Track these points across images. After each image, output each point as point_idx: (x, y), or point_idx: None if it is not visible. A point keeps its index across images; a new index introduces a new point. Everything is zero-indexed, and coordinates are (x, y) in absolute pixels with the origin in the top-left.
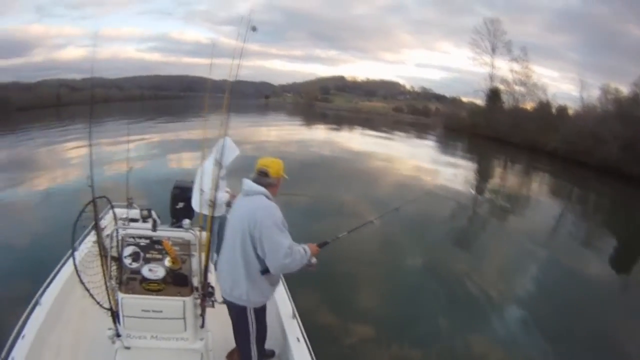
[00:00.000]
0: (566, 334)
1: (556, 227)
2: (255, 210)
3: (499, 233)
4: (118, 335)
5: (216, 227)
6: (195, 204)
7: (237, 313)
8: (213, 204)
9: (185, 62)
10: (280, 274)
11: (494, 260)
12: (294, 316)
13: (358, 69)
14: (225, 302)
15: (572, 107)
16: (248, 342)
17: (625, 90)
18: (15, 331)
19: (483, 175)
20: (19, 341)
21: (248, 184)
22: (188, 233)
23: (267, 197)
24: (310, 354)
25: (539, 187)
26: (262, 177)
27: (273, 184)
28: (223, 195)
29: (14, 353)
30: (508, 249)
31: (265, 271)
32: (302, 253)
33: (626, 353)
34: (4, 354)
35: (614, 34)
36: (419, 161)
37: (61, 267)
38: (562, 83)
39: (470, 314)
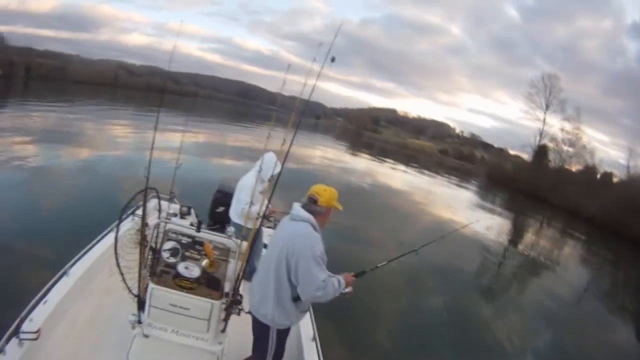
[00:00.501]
0: None
1: (582, 295)
2: (296, 237)
3: (523, 289)
4: (140, 322)
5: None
6: (232, 212)
7: (260, 329)
8: (250, 216)
9: (244, 68)
10: (310, 302)
11: (514, 315)
12: (314, 339)
13: (411, 104)
14: (251, 314)
15: (618, 175)
16: (264, 357)
17: None
18: (39, 295)
19: (518, 230)
20: (40, 305)
21: (296, 208)
22: (231, 240)
23: (312, 225)
24: None
25: (570, 251)
26: (310, 204)
27: (321, 212)
28: (256, 209)
29: (33, 314)
30: (529, 306)
31: (296, 298)
32: (336, 286)
33: None
34: (23, 313)
35: None
36: (457, 206)
37: (96, 243)
38: (611, 149)
39: None
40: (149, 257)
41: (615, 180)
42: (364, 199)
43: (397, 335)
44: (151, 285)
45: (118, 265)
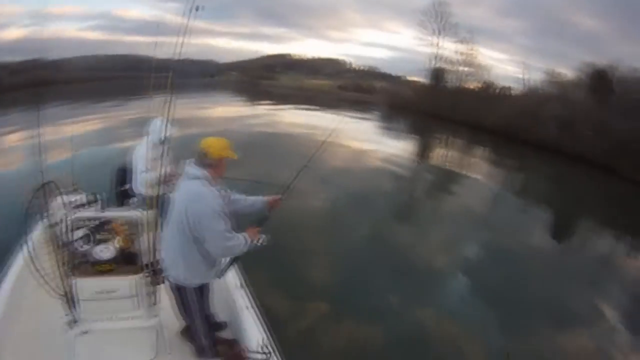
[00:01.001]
0: (508, 300)
1: (495, 200)
2: (192, 196)
3: (440, 206)
4: (75, 321)
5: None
6: (134, 185)
7: (178, 292)
8: (150, 184)
9: (129, 40)
10: (224, 257)
11: (437, 233)
12: (242, 286)
13: (304, 47)
14: (167, 279)
15: (517, 89)
16: (193, 318)
17: (569, 74)
18: None
19: (425, 149)
20: None
21: (188, 167)
22: (135, 212)
23: (207, 180)
24: (260, 321)
25: (479, 162)
26: (202, 158)
27: (213, 164)
28: (154, 175)
29: None
30: (450, 222)
31: (205, 256)
32: (243, 241)
33: (564, 312)
34: None
35: (563, 22)
36: (362, 137)
37: (14, 258)
38: (509, 65)
39: (417, 286)
40: (65, 252)
41: (514, 93)
42: (272, 147)
43: (326, 271)
44: (74, 279)
45: (36, 269)
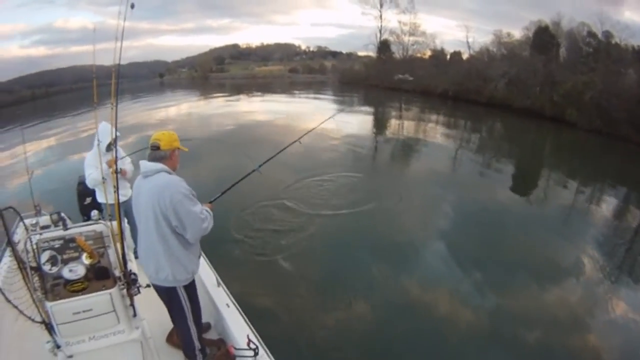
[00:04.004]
0: (486, 258)
1: (457, 161)
2: (159, 190)
3: (405, 176)
4: (58, 347)
5: (123, 213)
6: (98, 197)
7: (168, 295)
8: (100, 181)
9: (74, 51)
10: (199, 240)
11: (407, 203)
12: (219, 284)
13: (251, 34)
14: (153, 286)
15: (467, 53)
16: (185, 321)
17: (517, 34)
18: None
19: (382, 119)
20: None
21: (144, 165)
22: (98, 225)
23: (167, 172)
24: (243, 317)
25: (435, 126)
26: (154, 152)
27: (167, 157)
28: (97, 172)
29: None
30: (417, 190)
31: (186, 246)
32: (210, 218)
33: (537, 262)
34: None
35: None
36: (317, 116)
37: None
38: (458, 31)
39: (397, 259)
40: (36, 278)
41: (465, 57)
42: (231, 140)
43: (301, 256)
44: (48, 304)
45: (8, 300)
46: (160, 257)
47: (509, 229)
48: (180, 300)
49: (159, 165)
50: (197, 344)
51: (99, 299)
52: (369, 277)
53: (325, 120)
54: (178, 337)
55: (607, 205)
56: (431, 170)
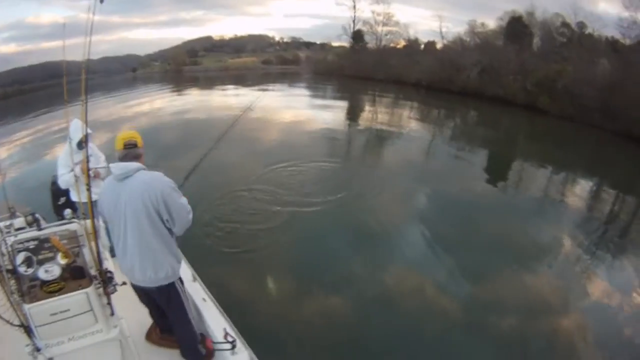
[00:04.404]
0: (463, 246)
1: (431, 150)
2: (148, 185)
3: (380, 165)
4: (38, 350)
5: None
6: (72, 196)
7: (167, 293)
8: (73, 183)
9: (45, 47)
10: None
11: (382, 192)
12: (195, 279)
13: (225, 26)
14: (149, 291)
15: (441, 42)
16: (187, 315)
17: (491, 24)
18: None
19: (355, 112)
20: None
21: (120, 167)
22: (72, 224)
23: (144, 169)
24: (220, 311)
25: (409, 116)
26: (133, 150)
27: (142, 154)
28: (70, 175)
29: None
30: (392, 179)
31: (173, 238)
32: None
33: (514, 248)
34: None
35: None
36: (292, 108)
37: None
38: (432, 21)
39: (373, 249)
40: (12, 281)
41: (439, 46)
42: (207, 134)
43: (282, 247)
44: (26, 306)
45: None
46: (158, 254)
47: (485, 216)
48: (179, 294)
49: (136, 164)
50: (199, 337)
51: (76, 298)
52: (345, 266)
53: (248, 108)
54: (176, 335)
55: (581, 190)
56: (406, 159)
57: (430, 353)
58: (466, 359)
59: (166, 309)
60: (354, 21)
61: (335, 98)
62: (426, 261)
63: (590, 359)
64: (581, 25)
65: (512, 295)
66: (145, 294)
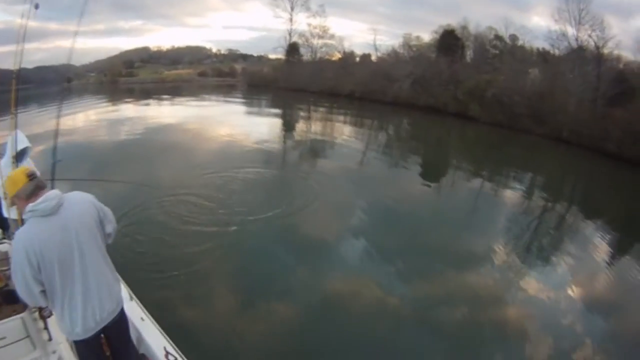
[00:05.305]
0: (403, 249)
1: (366, 158)
2: (80, 204)
3: (317, 175)
4: None
5: None
6: (4, 211)
7: (120, 320)
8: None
9: None
10: None
11: (321, 201)
12: (132, 298)
13: (163, 37)
14: (104, 328)
15: (376, 55)
16: (131, 342)
17: (427, 38)
18: None
19: (290, 123)
20: None
21: (51, 196)
22: (3, 244)
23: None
24: (159, 330)
25: (343, 126)
26: (38, 179)
27: None
28: None
29: None
30: (330, 187)
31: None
32: None
33: (451, 249)
34: None
35: None
36: (226, 121)
37: None
38: (368, 34)
39: (316, 257)
40: None
41: (374, 59)
42: (143, 147)
43: (210, 261)
44: None
45: None
46: (110, 279)
47: (423, 220)
48: (127, 320)
49: (56, 189)
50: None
51: (11, 325)
52: (288, 277)
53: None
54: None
55: (512, 190)
56: (342, 167)
57: (382, 351)
58: (417, 353)
59: (114, 340)
60: (290, 34)
61: (269, 110)
62: (369, 265)
63: (530, 346)
64: (513, 37)
65: (454, 292)
66: (95, 340)
